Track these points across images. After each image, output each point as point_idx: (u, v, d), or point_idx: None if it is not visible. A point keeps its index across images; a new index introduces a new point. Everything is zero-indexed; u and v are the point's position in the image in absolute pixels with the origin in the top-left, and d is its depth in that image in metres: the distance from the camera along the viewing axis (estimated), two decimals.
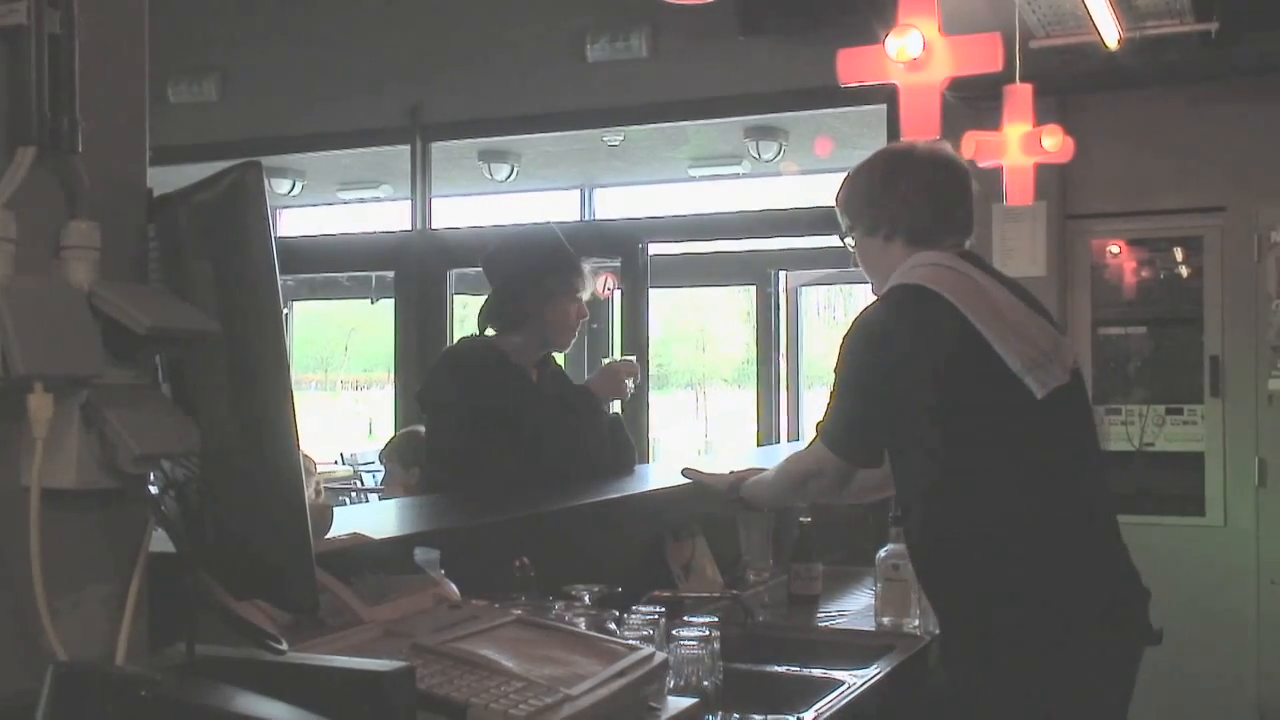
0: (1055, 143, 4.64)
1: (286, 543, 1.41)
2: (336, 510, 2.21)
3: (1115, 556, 2.46)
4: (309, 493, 1.52)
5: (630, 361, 3.67)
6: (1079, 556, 2.40)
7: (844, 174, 2.72)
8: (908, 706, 2.54)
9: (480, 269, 3.59)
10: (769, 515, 3.48)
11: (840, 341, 2.52)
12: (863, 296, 8.91)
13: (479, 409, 3.32)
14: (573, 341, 3.53)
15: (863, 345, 2.48)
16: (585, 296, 3.51)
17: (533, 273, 3.43)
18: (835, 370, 2.52)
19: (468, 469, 3.27)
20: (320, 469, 8.53)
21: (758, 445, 7.96)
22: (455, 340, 3.77)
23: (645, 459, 6.88)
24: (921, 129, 3.75)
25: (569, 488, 3.19)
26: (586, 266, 3.52)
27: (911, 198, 2.57)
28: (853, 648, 2.80)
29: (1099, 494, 2.53)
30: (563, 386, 3.55)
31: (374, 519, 2.62)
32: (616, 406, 3.65)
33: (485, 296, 3.55)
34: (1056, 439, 2.45)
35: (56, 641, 1.32)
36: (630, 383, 3.55)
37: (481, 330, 3.51)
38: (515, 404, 3.33)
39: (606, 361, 3.71)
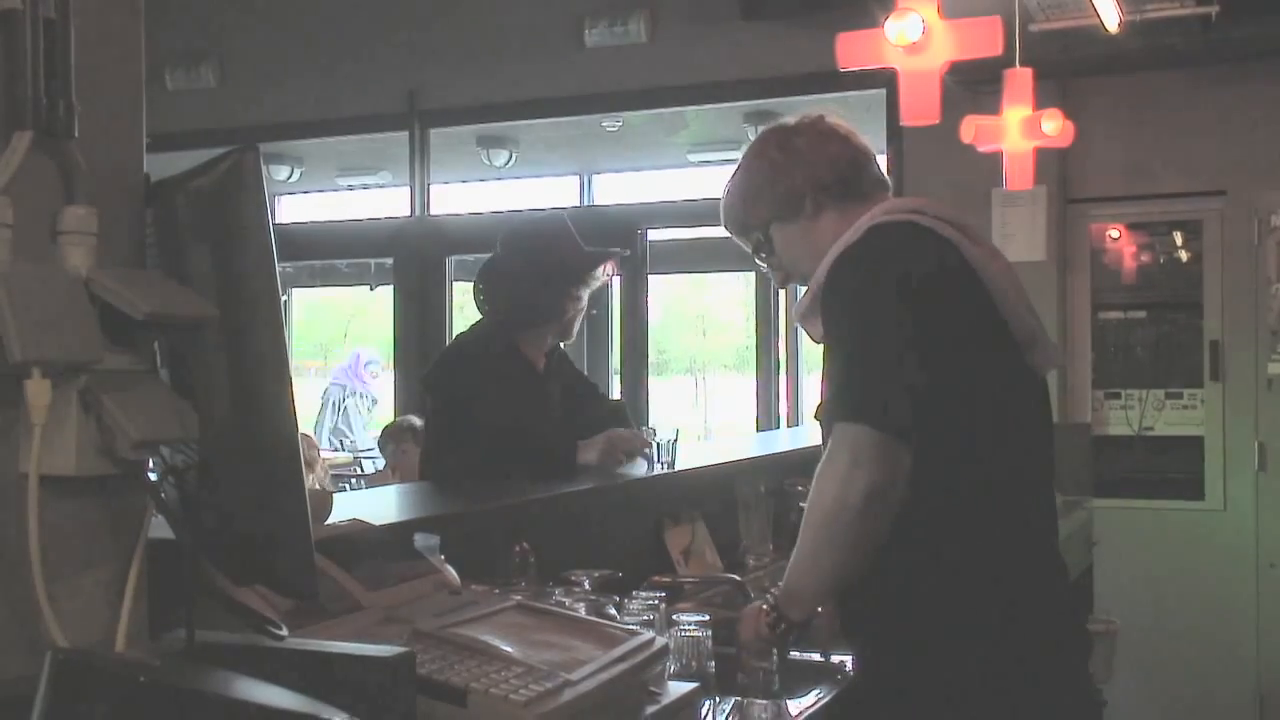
0: (1055, 127, 4.63)
1: (286, 528, 1.41)
2: (336, 496, 2.21)
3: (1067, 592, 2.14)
4: (314, 478, 1.52)
5: (637, 434, 3.35)
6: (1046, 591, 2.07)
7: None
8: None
9: (492, 257, 3.43)
10: (768, 500, 3.48)
11: (819, 301, 2.05)
12: None
13: (483, 410, 3.23)
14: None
15: (867, 283, 1.99)
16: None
17: (559, 271, 3.35)
18: (832, 335, 2.02)
19: (467, 462, 3.22)
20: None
21: (757, 430, 7.96)
22: (467, 328, 3.59)
23: None
24: (921, 113, 3.75)
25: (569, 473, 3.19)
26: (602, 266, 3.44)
27: (819, 151, 2.20)
28: None
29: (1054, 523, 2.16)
30: (568, 375, 3.52)
31: (374, 505, 2.62)
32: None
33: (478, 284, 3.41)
34: (1037, 441, 2.13)
35: (55, 628, 1.32)
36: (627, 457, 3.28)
37: (497, 323, 3.37)
38: (521, 410, 3.25)
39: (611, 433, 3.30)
